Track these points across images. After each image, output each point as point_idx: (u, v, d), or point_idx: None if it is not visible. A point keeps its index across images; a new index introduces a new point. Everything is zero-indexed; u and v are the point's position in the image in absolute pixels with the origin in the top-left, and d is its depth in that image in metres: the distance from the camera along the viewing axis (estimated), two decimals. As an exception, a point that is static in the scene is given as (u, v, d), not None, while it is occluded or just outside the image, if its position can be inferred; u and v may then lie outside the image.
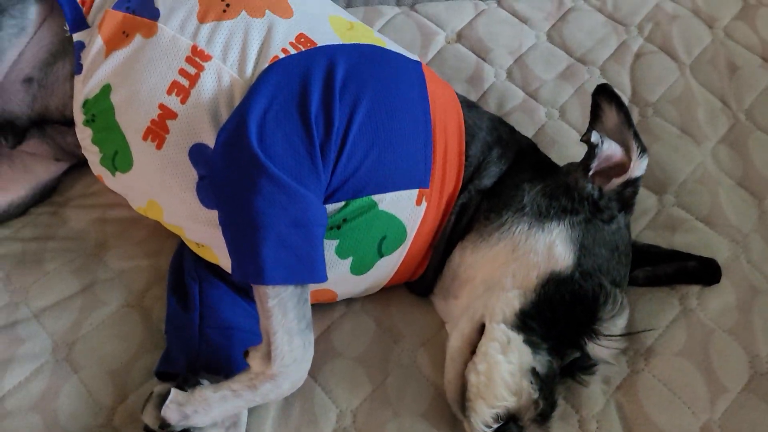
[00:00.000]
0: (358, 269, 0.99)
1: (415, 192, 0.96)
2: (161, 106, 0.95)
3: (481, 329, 0.95)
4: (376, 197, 0.94)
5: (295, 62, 0.94)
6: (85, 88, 0.99)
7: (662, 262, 1.10)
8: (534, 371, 0.91)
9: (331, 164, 0.90)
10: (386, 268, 1.01)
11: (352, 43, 1.00)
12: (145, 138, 0.96)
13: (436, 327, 1.07)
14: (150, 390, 0.93)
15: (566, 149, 1.25)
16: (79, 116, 1.01)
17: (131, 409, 0.99)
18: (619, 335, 0.95)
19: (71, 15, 1.02)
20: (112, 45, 0.98)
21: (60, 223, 1.18)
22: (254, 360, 0.87)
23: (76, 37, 1.02)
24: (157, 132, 0.95)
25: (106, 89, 0.98)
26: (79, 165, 1.21)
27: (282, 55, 0.94)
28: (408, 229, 0.98)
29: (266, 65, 0.94)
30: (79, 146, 1.06)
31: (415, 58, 1.07)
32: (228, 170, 0.88)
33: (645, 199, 1.20)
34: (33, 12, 1.05)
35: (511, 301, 0.95)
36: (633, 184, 1.02)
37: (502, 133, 1.08)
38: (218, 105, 0.93)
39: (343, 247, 0.95)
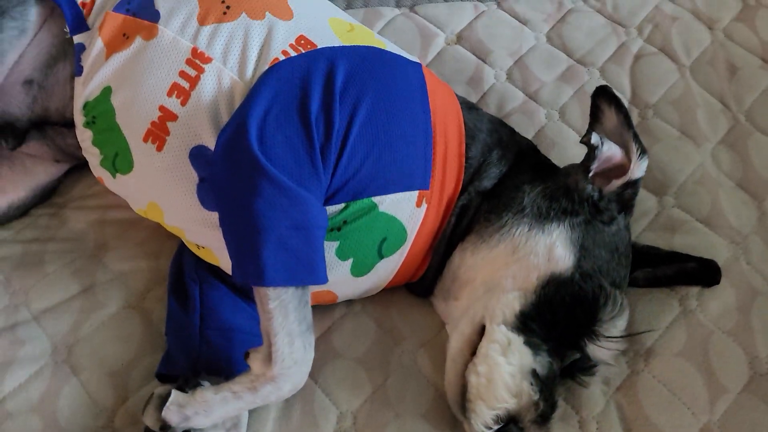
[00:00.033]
0: (359, 271, 0.99)
1: (415, 194, 0.96)
2: (161, 108, 0.95)
3: (482, 330, 0.95)
4: (376, 199, 0.94)
5: (295, 64, 0.94)
6: (85, 90, 0.99)
7: (662, 264, 1.10)
8: (534, 373, 0.91)
9: (332, 166, 0.90)
10: (386, 269, 1.01)
11: (352, 44, 1.00)
12: (145, 140, 0.96)
13: (437, 328, 1.07)
14: (150, 392, 0.93)
15: (566, 151, 1.25)
16: (79, 118, 1.01)
17: (132, 411, 0.99)
18: (619, 336, 0.95)
19: (71, 17, 1.02)
20: (112, 47, 0.98)
21: (60, 224, 1.18)
22: (255, 362, 0.87)
23: (77, 39, 1.02)
24: (157, 134, 0.95)
25: (107, 91, 0.98)
26: (79, 166, 1.21)
27: (282, 57, 0.94)
28: (408, 230, 0.98)
29: (266, 67, 0.94)
30: (79, 148, 1.06)
31: (415, 59, 1.07)
32: (228, 172, 0.88)
33: (645, 200, 1.20)
34: (33, 14, 1.05)
35: (512, 302, 0.95)
36: (633, 185, 1.02)
37: (502, 134, 1.08)
38: (218, 107, 0.93)
39: (343, 249, 0.95)
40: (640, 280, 1.09)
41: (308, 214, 0.87)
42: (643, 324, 1.06)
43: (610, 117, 1.03)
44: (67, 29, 1.02)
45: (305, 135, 0.89)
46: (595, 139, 0.99)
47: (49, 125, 1.13)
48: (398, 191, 0.95)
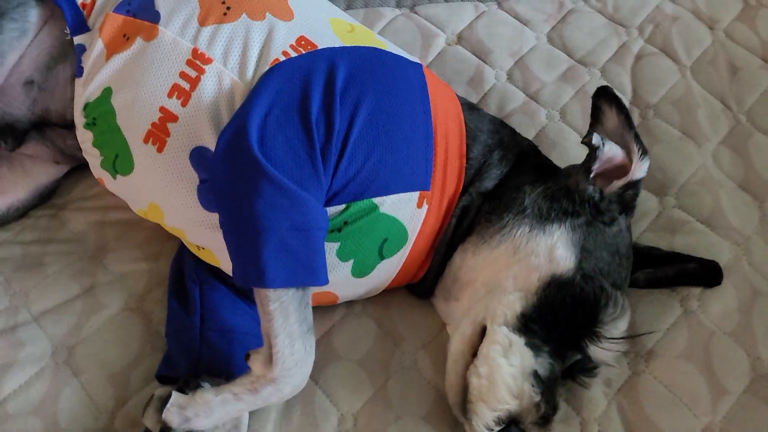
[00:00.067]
0: (359, 272, 0.99)
1: (416, 195, 0.96)
2: (162, 109, 0.94)
3: (483, 332, 0.95)
4: (377, 200, 0.93)
5: (295, 65, 0.93)
6: (85, 91, 0.99)
7: (663, 264, 1.10)
8: (536, 374, 0.91)
9: (332, 167, 0.90)
10: (387, 270, 1.01)
11: (353, 45, 1.00)
12: (146, 141, 0.96)
13: (437, 329, 1.07)
14: (151, 393, 0.93)
15: (567, 151, 1.25)
16: (79, 119, 1.01)
17: (132, 413, 0.99)
18: (621, 338, 0.95)
19: (72, 18, 1.02)
20: (112, 48, 0.98)
21: (60, 225, 1.18)
22: (255, 363, 0.87)
23: (77, 40, 1.02)
24: (157, 135, 0.95)
25: (107, 92, 0.98)
26: (79, 167, 1.21)
27: (282, 58, 0.94)
28: (409, 231, 0.98)
29: (267, 68, 0.94)
30: (79, 149, 1.06)
31: (416, 60, 1.07)
32: (229, 173, 0.87)
33: (646, 201, 1.20)
34: (34, 15, 1.05)
35: (513, 303, 0.94)
36: (634, 186, 1.02)
37: (503, 135, 1.08)
38: (219, 108, 0.93)
39: (344, 250, 0.95)
40: (641, 281, 1.09)
41: (309, 215, 0.87)
42: (644, 325, 1.06)
43: (611, 117, 1.03)
44: (68, 30, 1.02)
45: (305, 136, 0.88)
46: (596, 139, 0.99)
47: (49, 126, 1.13)
48: (399, 192, 0.95)
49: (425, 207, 0.97)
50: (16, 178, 1.17)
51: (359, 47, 1.00)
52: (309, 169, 0.88)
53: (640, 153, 1.00)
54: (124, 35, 0.98)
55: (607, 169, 1.02)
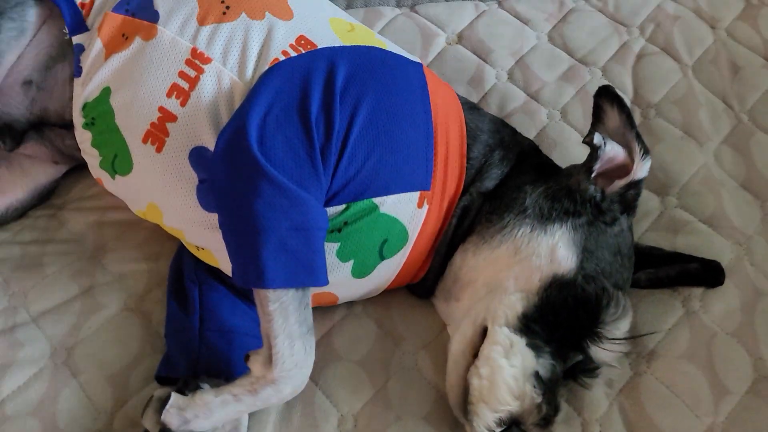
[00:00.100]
0: (360, 272, 0.98)
1: (416, 195, 0.96)
2: (161, 109, 0.94)
3: (484, 332, 0.95)
4: (377, 200, 0.93)
5: (295, 64, 0.93)
6: (84, 91, 0.99)
7: (665, 264, 1.09)
8: (537, 375, 0.90)
9: (332, 167, 0.90)
10: (388, 271, 1.01)
11: (353, 44, 0.99)
12: (144, 141, 0.95)
13: (438, 329, 1.07)
14: (150, 394, 0.93)
15: (568, 151, 1.24)
16: (78, 119, 1.01)
17: (131, 414, 0.99)
18: (622, 338, 0.95)
19: (70, 18, 1.02)
20: (111, 48, 0.98)
21: (59, 226, 1.18)
22: (255, 364, 0.87)
23: (76, 39, 1.02)
24: (156, 135, 0.94)
25: (106, 92, 0.97)
26: (78, 168, 1.21)
27: (282, 58, 0.94)
28: (409, 231, 0.97)
29: (266, 67, 0.93)
30: (77, 149, 1.06)
31: (416, 59, 1.06)
32: (228, 173, 0.87)
33: (647, 200, 1.20)
34: (32, 14, 1.05)
35: (514, 304, 0.94)
36: (636, 186, 1.02)
37: (503, 135, 1.07)
38: (218, 108, 0.93)
39: (344, 250, 0.95)
40: (642, 281, 1.09)
41: (308, 215, 0.86)
42: (645, 325, 1.05)
43: (612, 117, 1.02)
44: (66, 30, 1.02)
45: (305, 136, 0.88)
46: (597, 139, 0.99)
47: (47, 126, 1.12)
48: (399, 192, 0.94)
49: (426, 207, 0.97)
50: (15, 178, 1.17)
51: (359, 47, 1.00)
52: (309, 169, 0.87)
53: (641, 152, 1.00)
54: (123, 35, 0.98)
55: (609, 168, 1.02)
